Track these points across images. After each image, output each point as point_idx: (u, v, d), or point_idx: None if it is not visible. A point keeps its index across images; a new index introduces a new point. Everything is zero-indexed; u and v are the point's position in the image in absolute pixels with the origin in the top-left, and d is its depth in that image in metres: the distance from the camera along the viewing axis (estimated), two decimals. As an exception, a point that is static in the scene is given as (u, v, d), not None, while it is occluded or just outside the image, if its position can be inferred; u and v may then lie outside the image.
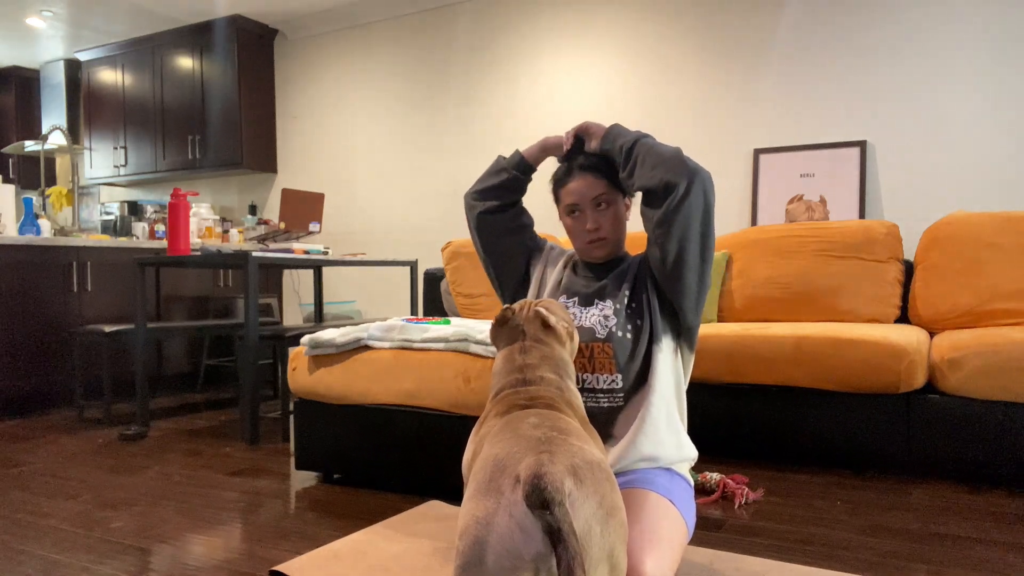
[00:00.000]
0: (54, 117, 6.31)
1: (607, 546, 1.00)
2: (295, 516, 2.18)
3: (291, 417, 3.31)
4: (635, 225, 4.35)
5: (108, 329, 3.64)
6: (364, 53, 5.18)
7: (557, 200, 1.75)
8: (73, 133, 6.22)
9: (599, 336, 1.61)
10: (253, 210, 5.55)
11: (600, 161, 1.68)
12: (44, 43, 5.94)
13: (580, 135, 1.74)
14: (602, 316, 1.63)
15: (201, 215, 5.25)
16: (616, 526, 1.02)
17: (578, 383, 1.61)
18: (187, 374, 4.82)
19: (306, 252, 3.56)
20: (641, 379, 1.61)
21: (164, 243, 4.57)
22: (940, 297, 2.99)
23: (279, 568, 1.71)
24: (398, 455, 2.37)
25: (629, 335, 1.62)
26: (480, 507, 1.00)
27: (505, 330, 1.44)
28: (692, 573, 1.67)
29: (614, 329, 1.61)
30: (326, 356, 2.48)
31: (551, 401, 1.26)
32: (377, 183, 5.17)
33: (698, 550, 1.82)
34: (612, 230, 1.68)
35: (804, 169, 3.76)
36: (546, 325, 1.40)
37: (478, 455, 1.16)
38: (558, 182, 1.73)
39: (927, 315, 3.02)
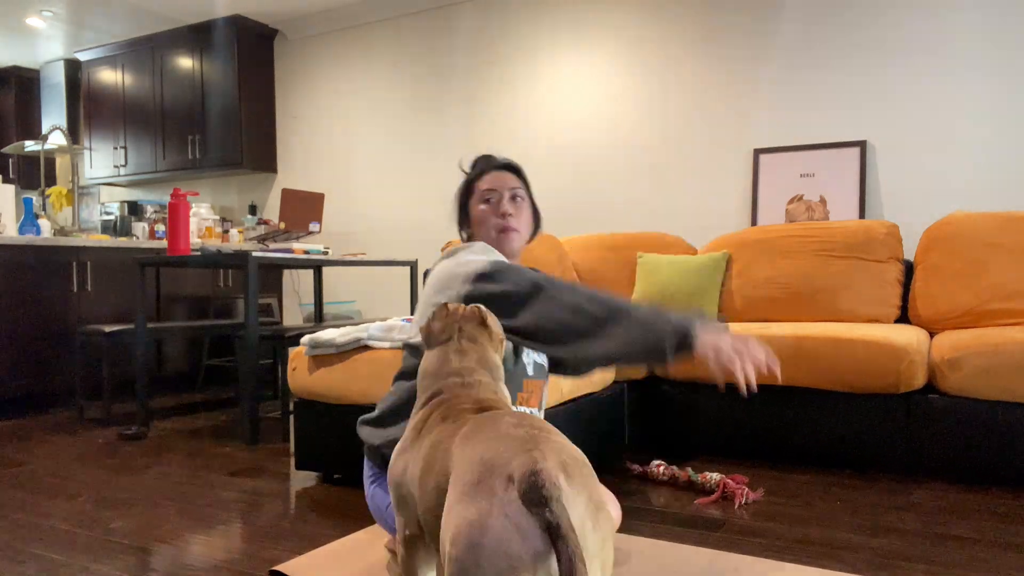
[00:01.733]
0: (54, 117, 6.31)
1: (599, 540, 1.00)
2: (295, 516, 2.18)
3: (291, 417, 3.31)
4: (626, 225, 4.35)
5: (108, 329, 3.64)
6: (364, 53, 5.18)
7: (469, 194, 1.74)
8: (73, 133, 6.22)
9: (530, 374, 1.63)
10: (253, 210, 5.55)
11: (518, 166, 1.76)
12: (44, 43, 5.94)
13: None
14: (535, 355, 1.65)
15: (201, 215, 5.25)
16: (604, 519, 1.02)
17: None
18: (187, 374, 4.82)
19: (306, 252, 3.56)
20: (543, 410, 1.71)
21: (164, 243, 4.57)
22: (940, 297, 2.99)
23: (279, 568, 1.71)
24: (398, 455, 2.37)
25: (546, 370, 1.68)
26: (471, 510, 0.98)
27: (439, 325, 1.38)
28: (692, 573, 1.67)
29: (542, 364, 1.66)
30: (326, 356, 2.48)
31: (495, 405, 1.24)
32: (377, 183, 5.17)
33: (698, 550, 1.82)
34: (524, 226, 1.72)
35: (804, 169, 3.76)
36: (483, 323, 1.37)
37: (433, 468, 1.12)
38: (471, 180, 1.75)
39: (927, 315, 3.02)
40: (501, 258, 1.61)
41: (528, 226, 1.74)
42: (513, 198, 1.70)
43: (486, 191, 1.70)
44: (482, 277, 1.52)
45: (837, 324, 2.91)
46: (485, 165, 1.75)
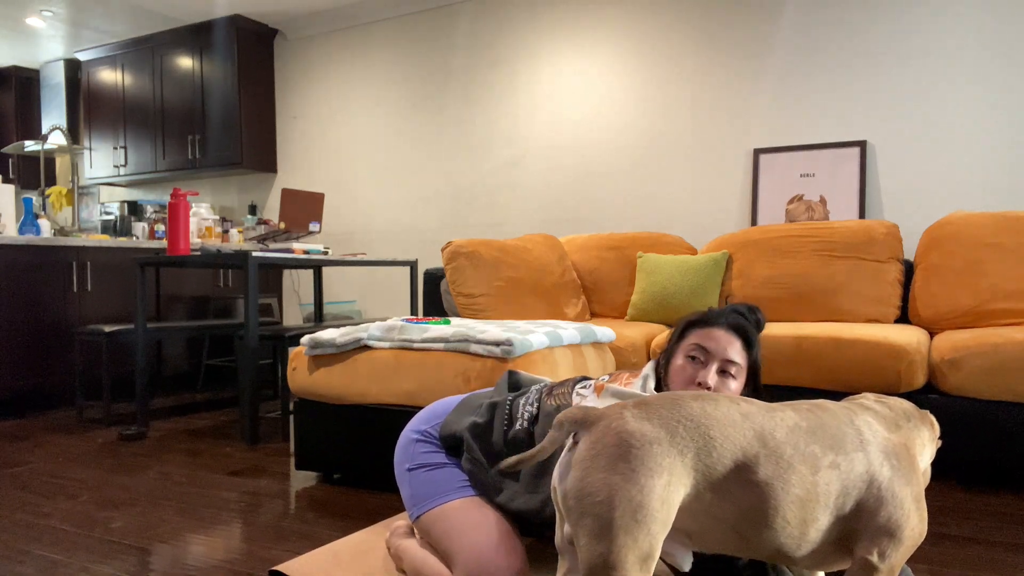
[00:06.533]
0: (54, 117, 6.31)
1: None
2: (295, 516, 2.18)
3: (291, 417, 3.31)
4: (647, 223, 4.35)
5: (108, 329, 3.64)
6: (364, 53, 5.18)
7: (680, 337, 1.52)
8: (73, 133, 6.22)
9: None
10: (253, 210, 5.55)
11: (752, 335, 1.48)
12: (44, 43, 5.94)
13: None
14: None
15: (201, 215, 5.25)
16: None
17: None
18: (187, 374, 4.82)
19: (306, 252, 3.56)
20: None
21: (164, 243, 4.57)
22: (940, 297, 2.99)
23: (279, 568, 1.71)
24: (398, 455, 2.37)
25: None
26: None
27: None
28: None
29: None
30: (326, 356, 2.48)
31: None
32: (377, 183, 5.17)
33: (698, 550, 1.81)
34: None
35: (804, 169, 3.76)
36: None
37: None
38: (695, 323, 1.51)
39: (927, 315, 3.02)
40: None
41: None
42: (723, 372, 1.45)
43: (695, 346, 1.47)
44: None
45: (837, 324, 2.91)
46: (716, 316, 1.50)
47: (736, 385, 1.47)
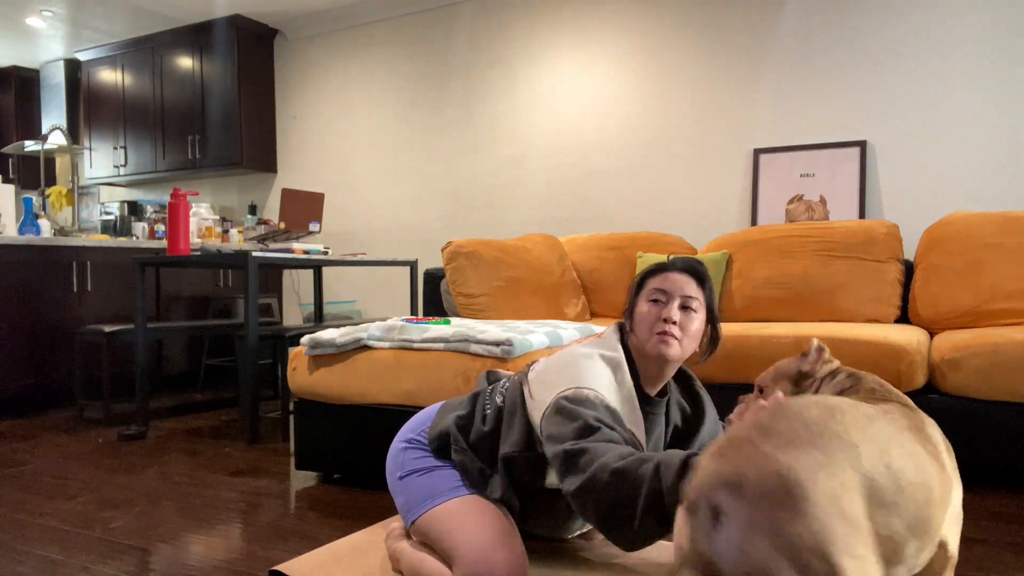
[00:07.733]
0: (54, 117, 6.31)
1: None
2: (295, 516, 2.18)
3: (291, 417, 3.31)
4: (641, 223, 4.35)
5: (108, 329, 3.64)
6: (364, 53, 5.18)
7: (639, 288, 1.62)
8: (73, 133, 6.22)
9: None
10: (253, 210, 5.55)
11: (704, 273, 1.60)
12: (44, 43, 5.94)
13: None
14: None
15: (201, 215, 5.25)
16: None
17: None
18: (187, 374, 4.82)
19: (306, 252, 3.56)
20: None
21: (164, 243, 4.57)
22: (940, 297, 2.99)
23: (279, 568, 1.71)
24: (398, 455, 2.37)
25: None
26: None
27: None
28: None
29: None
30: (326, 356, 2.48)
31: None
32: (377, 183, 5.17)
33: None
34: (689, 339, 1.55)
35: (804, 169, 3.76)
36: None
37: None
38: (650, 273, 1.62)
39: (927, 315, 3.02)
40: (607, 377, 1.49)
41: (694, 340, 1.57)
42: (684, 308, 1.55)
43: (656, 290, 1.57)
44: (558, 411, 1.44)
45: (837, 324, 2.91)
46: (667, 264, 1.61)
47: (699, 318, 1.58)
